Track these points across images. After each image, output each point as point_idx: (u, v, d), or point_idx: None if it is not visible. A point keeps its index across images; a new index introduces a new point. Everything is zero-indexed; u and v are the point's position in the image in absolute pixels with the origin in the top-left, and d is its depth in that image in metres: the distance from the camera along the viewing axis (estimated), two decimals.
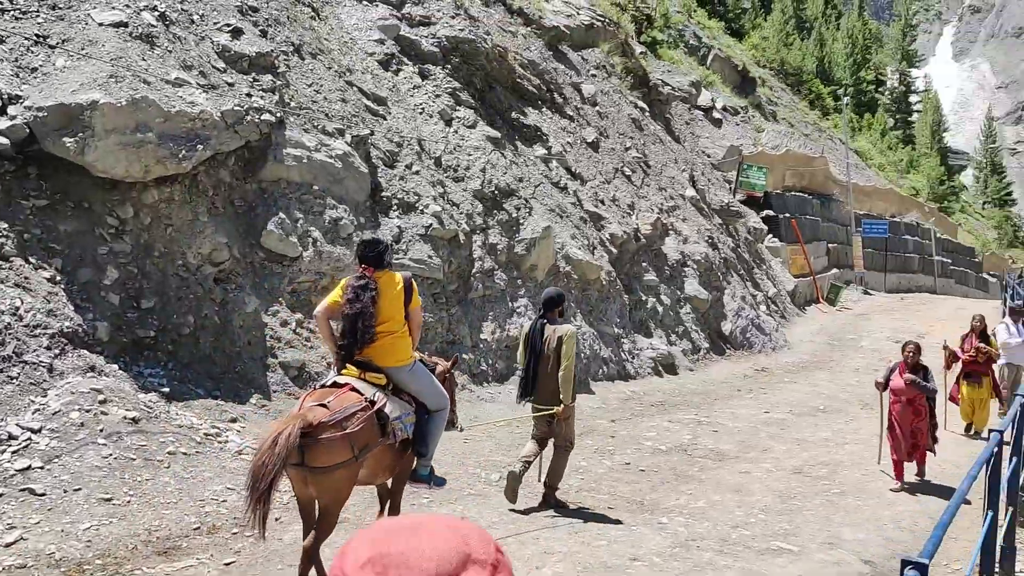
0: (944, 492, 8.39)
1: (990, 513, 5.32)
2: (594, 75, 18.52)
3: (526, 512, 7.20)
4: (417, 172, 11.79)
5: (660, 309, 15.21)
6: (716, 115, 26.78)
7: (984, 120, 69.72)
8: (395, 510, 5.66)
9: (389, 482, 5.67)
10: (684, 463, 9.37)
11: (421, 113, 12.89)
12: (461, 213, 12.14)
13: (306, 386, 8.76)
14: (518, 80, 15.07)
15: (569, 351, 7.04)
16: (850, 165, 32.42)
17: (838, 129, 41.54)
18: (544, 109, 15.52)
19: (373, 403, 5.01)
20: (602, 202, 15.15)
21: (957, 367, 11.87)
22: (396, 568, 0.97)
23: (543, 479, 7.36)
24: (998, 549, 5.97)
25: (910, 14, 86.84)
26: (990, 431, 4.81)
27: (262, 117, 9.74)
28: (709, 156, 23.51)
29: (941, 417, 10.10)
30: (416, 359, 5.53)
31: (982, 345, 11.77)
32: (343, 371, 5.23)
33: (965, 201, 55.86)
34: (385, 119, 12.06)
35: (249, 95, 9.84)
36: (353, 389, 5.05)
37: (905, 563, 2.93)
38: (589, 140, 16.11)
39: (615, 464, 9.08)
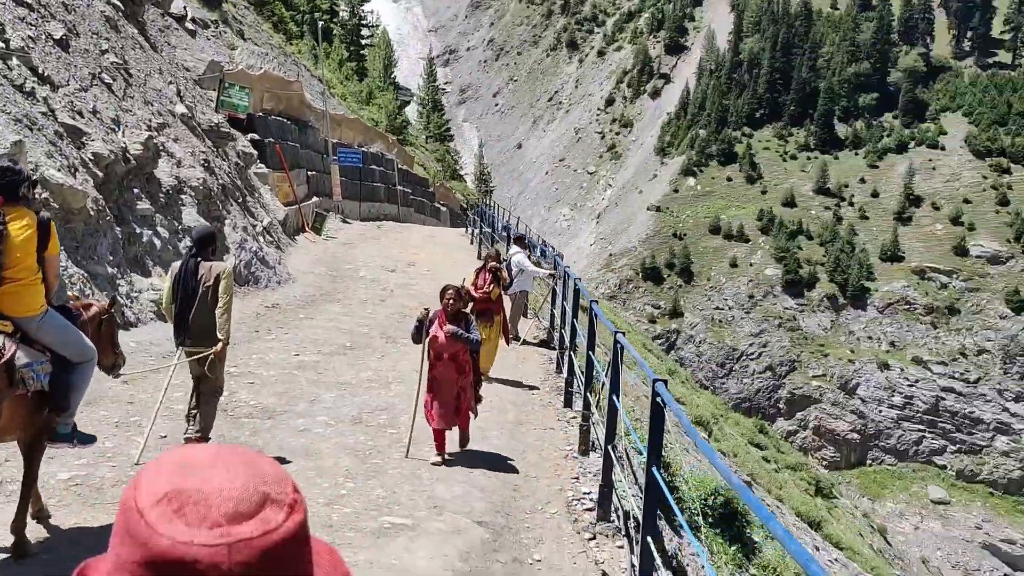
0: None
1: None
2: None
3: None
4: None
5: (158, 243, 13.10)
6: (189, 26, 24.23)
7: (425, 60, 75.31)
8: (29, 473, 4.98)
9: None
10: (231, 427, 7.96)
11: None
12: None
13: None
14: None
15: (228, 287, 6.83)
16: (325, 93, 32.17)
17: (302, 55, 41.12)
18: None
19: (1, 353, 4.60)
20: (80, 114, 12.41)
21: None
22: (194, 505, 0.94)
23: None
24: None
25: None
26: (654, 381, 4.43)
27: None
28: (189, 70, 21.15)
29: None
30: (45, 309, 4.93)
31: (492, 286, 11.07)
32: None
33: (412, 135, 59.91)
34: None
35: None
36: None
37: None
38: (57, 36, 13.05)
39: (151, 444, 7.23)
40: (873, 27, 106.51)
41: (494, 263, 11.40)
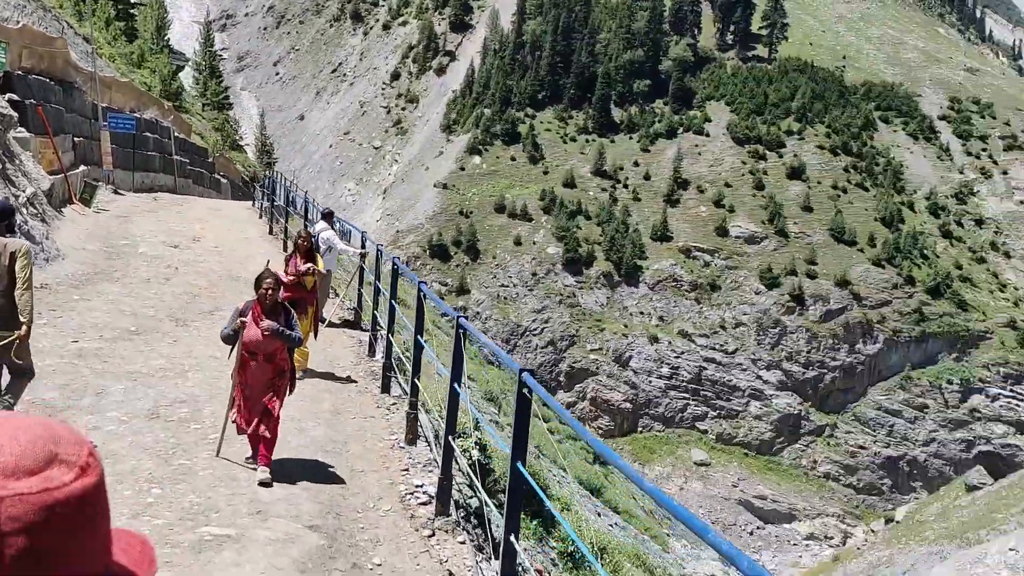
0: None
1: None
2: None
3: None
4: None
5: None
6: None
7: (201, 24, 70.81)
8: None
9: None
10: None
11: None
12: None
13: None
14: None
15: (27, 265, 6.48)
16: (92, 53, 29.32)
17: (64, 10, 37.41)
18: None
19: None
20: None
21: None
22: None
23: None
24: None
25: None
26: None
27: None
28: None
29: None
30: None
31: (310, 266, 10.05)
32: None
33: (188, 102, 56.32)
34: None
35: None
36: None
37: None
38: None
39: None
40: (647, 16, 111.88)
41: (306, 242, 10.27)
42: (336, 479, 6.47)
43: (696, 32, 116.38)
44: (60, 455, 0.93)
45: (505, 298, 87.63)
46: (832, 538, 75.52)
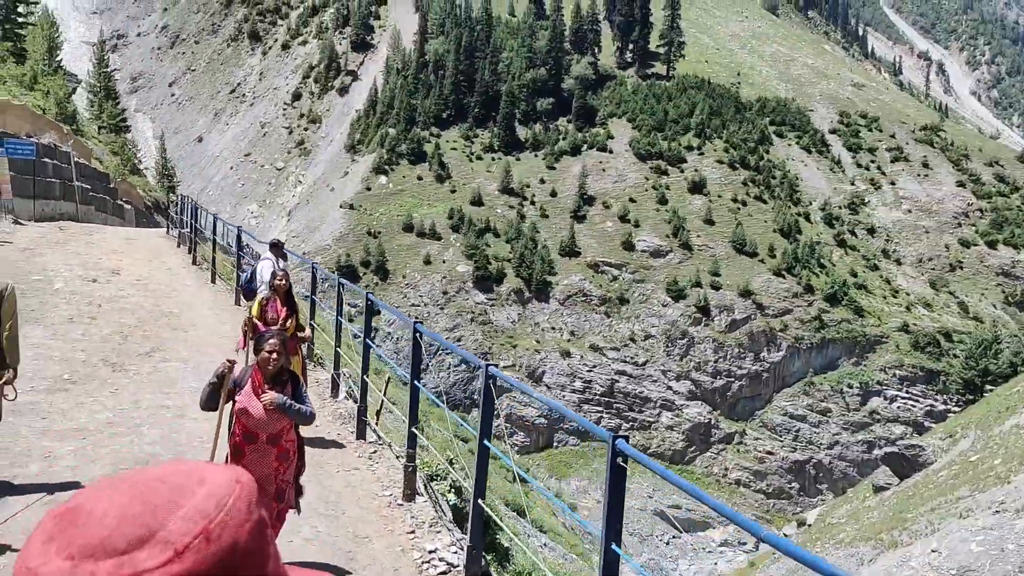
0: None
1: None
2: None
3: None
4: None
5: None
6: None
7: (94, 44, 68.00)
8: None
9: None
10: None
11: None
12: None
13: None
14: None
15: (12, 309, 6.33)
16: None
17: None
18: None
19: None
20: None
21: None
22: (72, 528, 0.80)
23: None
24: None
25: None
26: None
27: None
28: None
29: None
30: None
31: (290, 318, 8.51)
32: None
33: (83, 125, 54.00)
34: None
35: None
36: None
37: None
38: None
39: None
40: (548, 36, 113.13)
41: (283, 282, 8.80)
42: (342, 550, 5.95)
43: (596, 51, 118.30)
44: (161, 533, 0.81)
45: (416, 317, 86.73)
46: (746, 543, 77.13)
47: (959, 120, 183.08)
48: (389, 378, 10.45)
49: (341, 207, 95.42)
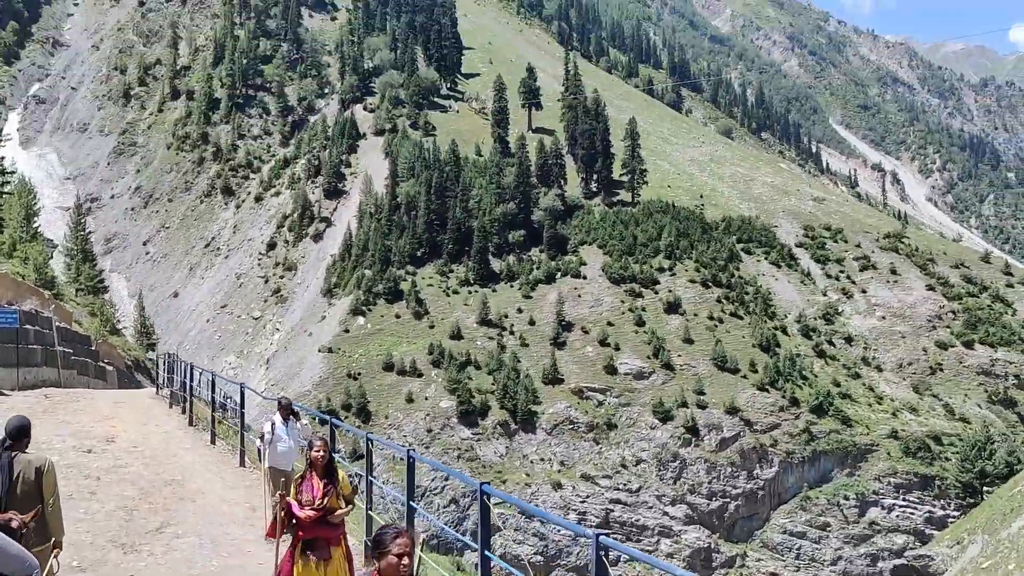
0: None
1: None
2: None
3: None
4: None
5: None
6: None
7: (69, 209, 69.04)
8: None
9: None
10: None
11: None
12: None
13: None
14: None
15: (52, 482, 6.24)
16: None
17: None
18: None
19: None
20: None
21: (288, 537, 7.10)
22: None
23: None
24: None
25: None
26: None
27: None
28: None
29: None
30: None
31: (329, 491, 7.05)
32: None
33: (61, 289, 54.13)
34: None
35: None
36: None
37: None
38: None
39: None
40: (515, 171, 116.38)
41: (321, 453, 7.29)
42: None
43: (563, 183, 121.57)
44: None
45: (401, 459, 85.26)
46: None
47: (919, 226, 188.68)
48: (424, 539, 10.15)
49: (320, 351, 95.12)
